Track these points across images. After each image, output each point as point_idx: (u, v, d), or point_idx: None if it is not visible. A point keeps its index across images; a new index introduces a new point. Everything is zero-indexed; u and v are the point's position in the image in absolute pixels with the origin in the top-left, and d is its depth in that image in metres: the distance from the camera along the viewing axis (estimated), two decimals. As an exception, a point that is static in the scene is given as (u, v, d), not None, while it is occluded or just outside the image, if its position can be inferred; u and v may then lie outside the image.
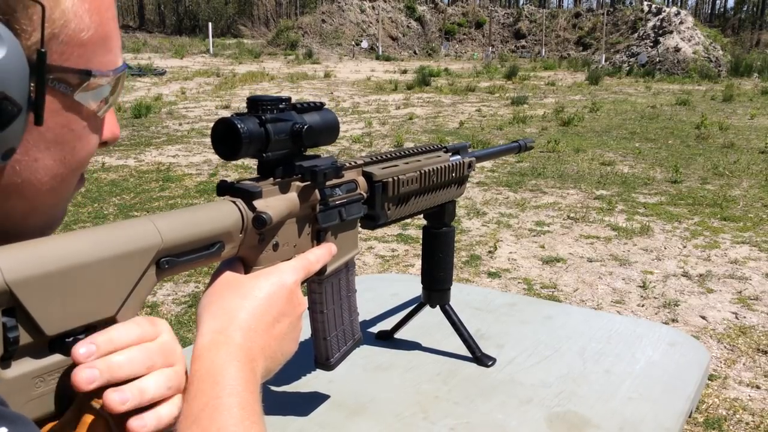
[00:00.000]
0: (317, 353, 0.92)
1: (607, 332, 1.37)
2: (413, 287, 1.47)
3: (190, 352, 0.60)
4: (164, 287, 3.81)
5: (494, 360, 1.22)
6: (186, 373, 0.57)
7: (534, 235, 4.93)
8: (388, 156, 1.00)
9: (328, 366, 0.92)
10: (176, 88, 14.90)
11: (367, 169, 0.93)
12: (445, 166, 1.09)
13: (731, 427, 2.58)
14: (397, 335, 1.32)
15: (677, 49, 22.18)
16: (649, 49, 23.10)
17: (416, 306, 1.29)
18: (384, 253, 4.45)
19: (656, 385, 1.16)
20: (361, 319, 0.98)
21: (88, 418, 0.49)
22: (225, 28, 55.09)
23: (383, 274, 4.00)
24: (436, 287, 1.23)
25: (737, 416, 2.65)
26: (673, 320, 3.50)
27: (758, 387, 2.85)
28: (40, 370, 0.48)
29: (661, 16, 24.40)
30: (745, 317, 3.54)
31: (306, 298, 0.76)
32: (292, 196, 0.73)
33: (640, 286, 3.95)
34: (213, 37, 31.64)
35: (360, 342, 0.97)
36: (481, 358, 1.21)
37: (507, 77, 19.19)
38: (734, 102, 13.82)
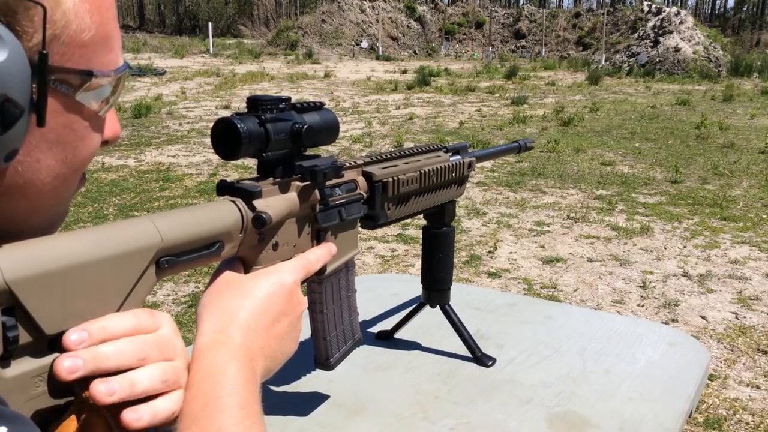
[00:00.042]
0: (317, 353, 0.92)
1: (607, 332, 1.37)
2: (413, 287, 1.47)
3: (190, 352, 0.59)
4: (164, 287, 3.81)
5: (494, 360, 1.22)
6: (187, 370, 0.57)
7: (534, 235, 4.93)
8: (388, 156, 1.00)
9: (327, 366, 0.92)
10: (176, 88, 14.90)
11: (367, 169, 0.93)
12: (445, 166, 1.09)
13: (731, 427, 2.58)
14: (397, 335, 1.32)
15: (677, 49, 22.18)
16: (649, 49, 23.10)
17: (416, 306, 1.29)
18: (384, 253, 4.45)
19: (656, 385, 1.16)
20: (361, 319, 0.98)
21: (87, 416, 0.49)
22: (225, 28, 55.10)
23: (383, 274, 4.00)
24: (436, 287, 1.23)
25: (737, 416, 2.65)
26: (673, 320, 3.50)
27: (758, 387, 2.85)
28: (40, 370, 0.48)
29: (661, 16, 24.40)
30: (745, 317, 3.54)
31: (306, 297, 0.76)
32: (292, 195, 0.73)
33: (640, 286, 3.95)
34: (213, 37, 31.64)
35: (360, 342, 0.97)
36: (481, 358, 1.21)
37: (507, 77, 19.19)
38: (734, 102, 13.82)
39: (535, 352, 1.27)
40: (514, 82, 18.22)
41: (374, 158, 0.96)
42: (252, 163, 6.22)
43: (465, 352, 1.23)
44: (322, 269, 0.81)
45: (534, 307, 1.52)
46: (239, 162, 6.57)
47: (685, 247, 4.70)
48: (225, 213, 0.64)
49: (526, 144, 1.42)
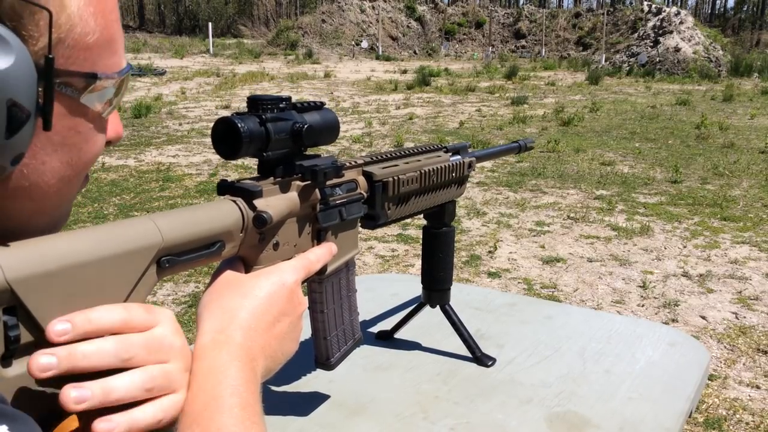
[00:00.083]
0: (317, 353, 0.92)
1: (607, 332, 1.37)
2: (413, 287, 1.47)
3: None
4: (164, 287, 3.81)
5: (494, 360, 1.22)
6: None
7: (534, 235, 4.93)
8: (389, 156, 1.00)
9: (328, 366, 0.92)
10: (176, 88, 14.90)
11: (368, 168, 0.93)
12: (445, 166, 1.09)
13: (731, 427, 2.58)
14: (397, 335, 1.32)
15: (677, 49, 22.18)
16: (649, 49, 23.10)
17: (416, 306, 1.29)
18: (384, 253, 4.45)
19: (656, 385, 1.16)
20: (361, 319, 0.98)
21: (88, 416, 0.49)
22: (225, 28, 55.11)
23: (383, 274, 4.00)
24: (436, 287, 1.23)
25: (737, 416, 2.65)
26: (673, 320, 3.50)
27: (758, 387, 2.85)
28: None
29: (661, 16, 24.41)
30: (745, 317, 3.54)
31: (306, 297, 0.76)
32: (293, 195, 0.73)
33: (640, 286, 3.95)
34: (213, 37, 31.65)
35: (360, 342, 0.97)
36: (481, 358, 1.21)
37: (507, 77, 19.20)
38: (734, 102, 13.82)
39: (535, 352, 1.27)
40: (514, 82, 18.22)
41: (374, 158, 0.97)
42: (252, 162, 6.22)
43: (465, 352, 1.23)
44: (323, 269, 0.81)
45: (534, 307, 1.52)
46: (239, 162, 6.58)
47: (685, 247, 4.70)
48: (226, 212, 0.64)
49: (526, 144, 1.42)
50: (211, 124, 0.69)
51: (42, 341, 0.48)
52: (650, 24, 24.49)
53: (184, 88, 14.68)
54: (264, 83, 16.34)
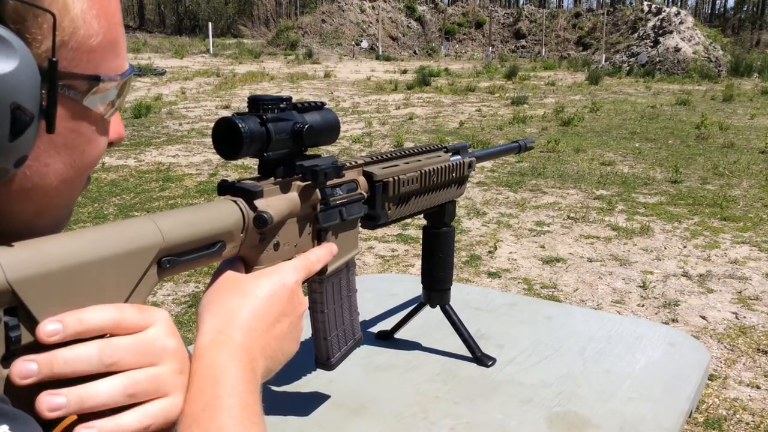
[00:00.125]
0: (318, 353, 0.92)
1: (607, 332, 1.37)
2: (413, 287, 1.47)
3: (190, 352, 0.59)
4: (164, 287, 3.81)
5: (494, 360, 1.22)
6: (178, 373, 0.54)
7: (534, 235, 4.93)
8: (389, 156, 1.00)
9: (328, 366, 0.92)
10: (176, 88, 14.90)
11: (368, 168, 0.93)
12: (445, 166, 1.09)
13: (731, 427, 2.58)
14: (397, 335, 1.32)
15: (677, 49, 22.18)
16: (649, 49, 23.10)
17: (416, 306, 1.29)
18: (384, 253, 4.45)
19: (656, 385, 1.16)
20: (361, 319, 0.98)
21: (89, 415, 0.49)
22: (225, 28, 55.12)
23: (383, 274, 4.00)
24: (436, 287, 1.23)
25: (737, 416, 2.65)
26: (673, 320, 3.50)
27: (758, 387, 2.85)
28: None
29: (661, 16, 24.41)
30: (745, 317, 3.54)
31: (306, 297, 0.76)
32: (293, 195, 0.73)
33: (640, 286, 3.95)
34: (213, 37, 31.65)
35: (360, 342, 0.97)
36: (481, 358, 1.21)
37: (507, 77, 19.19)
38: (734, 102, 13.82)
39: (535, 352, 1.27)
40: (514, 82, 18.22)
41: (375, 158, 0.97)
42: (253, 163, 6.22)
43: (465, 352, 1.23)
44: (323, 269, 0.81)
45: (534, 307, 1.52)
46: (240, 162, 6.57)
47: (685, 247, 4.70)
48: (226, 213, 0.64)
49: (526, 144, 1.42)
50: (211, 124, 0.69)
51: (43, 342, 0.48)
52: (650, 24, 24.49)
53: (184, 88, 14.68)
54: (264, 83, 16.34)
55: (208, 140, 7.79)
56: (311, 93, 14.61)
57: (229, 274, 0.67)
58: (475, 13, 33.78)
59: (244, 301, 0.63)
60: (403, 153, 1.04)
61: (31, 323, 0.47)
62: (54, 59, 0.44)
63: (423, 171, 1.04)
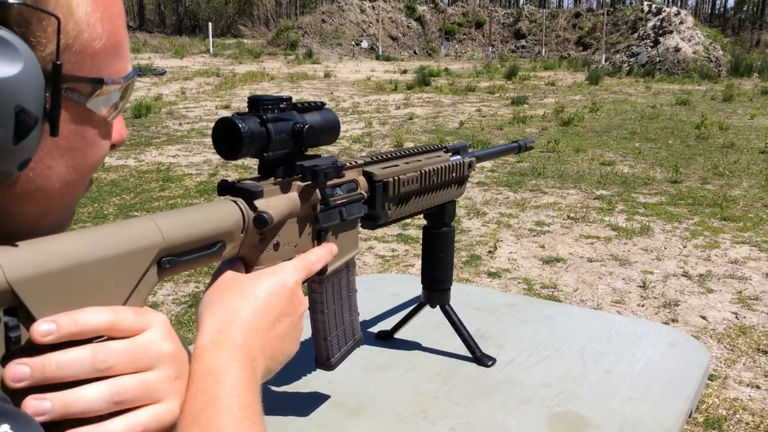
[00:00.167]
0: (318, 353, 0.92)
1: (607, 332, 1.37)
2: (413, 287, 1.47)
3: (191, 352, 0.59)
4: (164, 287, 3.81)
5: (494, 360, 1.22)
6: (174, 376, 0.53)
7: (534, 235, 4.93)
8: (389, 156, 1.00)
9: (328, 366, 0.92)
10: (176, 88, 14.90)
11: (368, 168, 0.93)
12: (445, 166, 1.09)
13: (731, 427, 2.58)
14: (397, 335, 1.32)
15: (677, 49, 22.18)
16: (649, 49, 23.10)
17: (416, 306, 1.29)
18: (384, 253, 4.45)
19: (656, 385, 1.16)
20: (361, 319, 0.98)
21: None
22: (225, 28, 55.13)
23: (383, 274, 4.00)
24: (436, 287, 1.23)
25: (737, 416, 2.65)
26: (673, 320, 3.50)
27: (758, 387, 2.85)
28: None
29: (661, 16, 24.41)
30: (745, 317, 3.54)
31: (306, 297, 0.76)
32: (293, 195, 0.73)
33: (640, 286, 3.95)
34: (213, 37, 31.65)
35: (360, 342, 0.97)
36: (481, 358, 1.21)
37: (507, 77, 19.20)
38: (734, 102, 13.82)
39: (535, 352, 1.27)
40: (514, 82, 18.22)
41: (375, 158, 0.97)
42: (253, 163, 6.22)
43: (465, 352, 1.23)
44: (323, 269, 0.81)
45: (534, 307, 1.52)
46: (240, 162, 6.57)
47: (685, 247, 4.70)
48: (226, 213, 0.64)
49: (526, 144, 1.42)
50: (211, 124, 0.69)
51: None
52: (650, 24, 24.49)
53: (184, 88, 14.68)
54: (264, 83, 16.34)
55: (208, 140, 7.79)
56: (311, 93, 14.61)
57: (229, 274, 0.67)
58: (475, 13, 33.78)
59: (244, 301, 0.63)
60: (403, 153, 1.04)
61: (31, 323, 0.47)
62: (58, 62, 0.44)
63: (423, 171, 1.04)
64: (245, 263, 0.69)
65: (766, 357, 3.12)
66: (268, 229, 0.69)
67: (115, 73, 0.51)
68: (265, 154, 0.70)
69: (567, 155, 7.92)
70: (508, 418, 1.04)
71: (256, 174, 0.74)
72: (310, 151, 0.77)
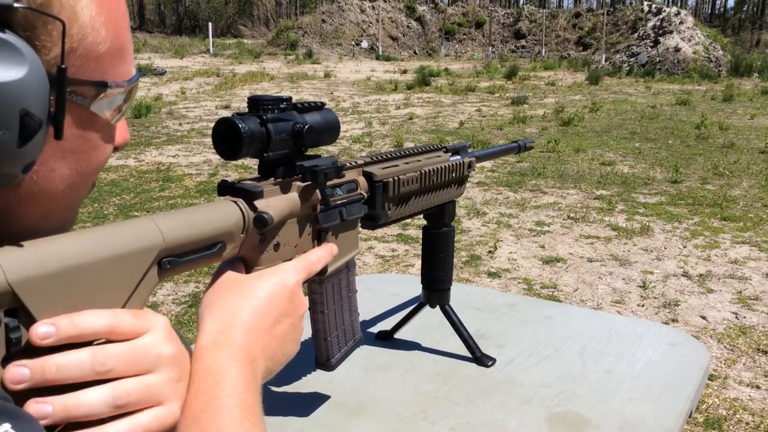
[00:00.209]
0: (318, 353, 0.92)
1: (607, 332, 1.37)
2: (413, 287, 1.47)
3: (192, 351, 0.59)
4: (164, 287, 3.81)
5: (494, 360, 1.22)
6: (176, 379, 0.53)
7: (534, 235, 4.93)
8: (389, 156, 1.00)
9: (328, 366, 0.92)
10: (176, 88, 14.90)
11: (368, 169, 0.93)
12: (445, 166, 1.09)
13: (731, 427, 2.58)
14: (397, 335, 1.32)
15: (677, 49, 22.18)
16: (649, 49, 23.10)
17: (416, 306, 1.29)
18: (384, 253, 4.45)
19: (656, 385, 1.16)
20: (361, 319, 0.98)
21: None
22: (225, 28, 55.13)
23: (383, 274, 4.00)
24: (436, 287, 1.23)
25: (737, 416, 2.65)
26: (673, 320, 3.50)
27: (758, 387, 2.85)
28: None
29: (661, 16, 24.40)
30: (745, 317, 3.54)
31: (307, 298, 0.76)
32: (293, 196, 0.73)
33: (640, 286, 3.95)
34: (213, 37, 31.65)
35: (360, 342, 0.97)
36: (481, 358, 1.21)
37: (507, 77, 19.19)
38: (734, 102, 13.82)
39: (535, 352, 1.27)
40: (514, 82, 18.22)
41: (375, 158, 0.97)
42: (253, 163, 6.23)
43: (465, 352, 1.23)
44: (323, 270, 0.81)
45: (534, 307, 1.53)
46: (240, 162, 6.57)
47: (685, 247, 4.70)
48: (226, 213, 0.64)
49: (526, 144, 1.42)
50: (211, 124, 0.69)
51: None
52: (650, 24, 24.49)
53: (184, 88, 14.68)
54: (264, 83, 16.34)
55: (208, 140, 7.79)
56: (311, 93, 14.60)
57: (230, 275, 0.67)
58: (475, 13, 33.77)
59: (244, 302, 0.63)
60: (403, 153, 1.04)
61: (32, 324, 0.47)
62: (63, 66, 0.44)
63: (423, 171, 1.04)
64: (245, 264, 0.69)
65: (766, 357, 3.12)
66: (268, 230, 0.69)
67: (119, 77, 0.51)
68: (265, 155, 0.70)
69: (567, 155, 7.92)
70: (508, 418, 1.04)
71: (256, 174, 0.74)
72: (310, 151, 0.77)
